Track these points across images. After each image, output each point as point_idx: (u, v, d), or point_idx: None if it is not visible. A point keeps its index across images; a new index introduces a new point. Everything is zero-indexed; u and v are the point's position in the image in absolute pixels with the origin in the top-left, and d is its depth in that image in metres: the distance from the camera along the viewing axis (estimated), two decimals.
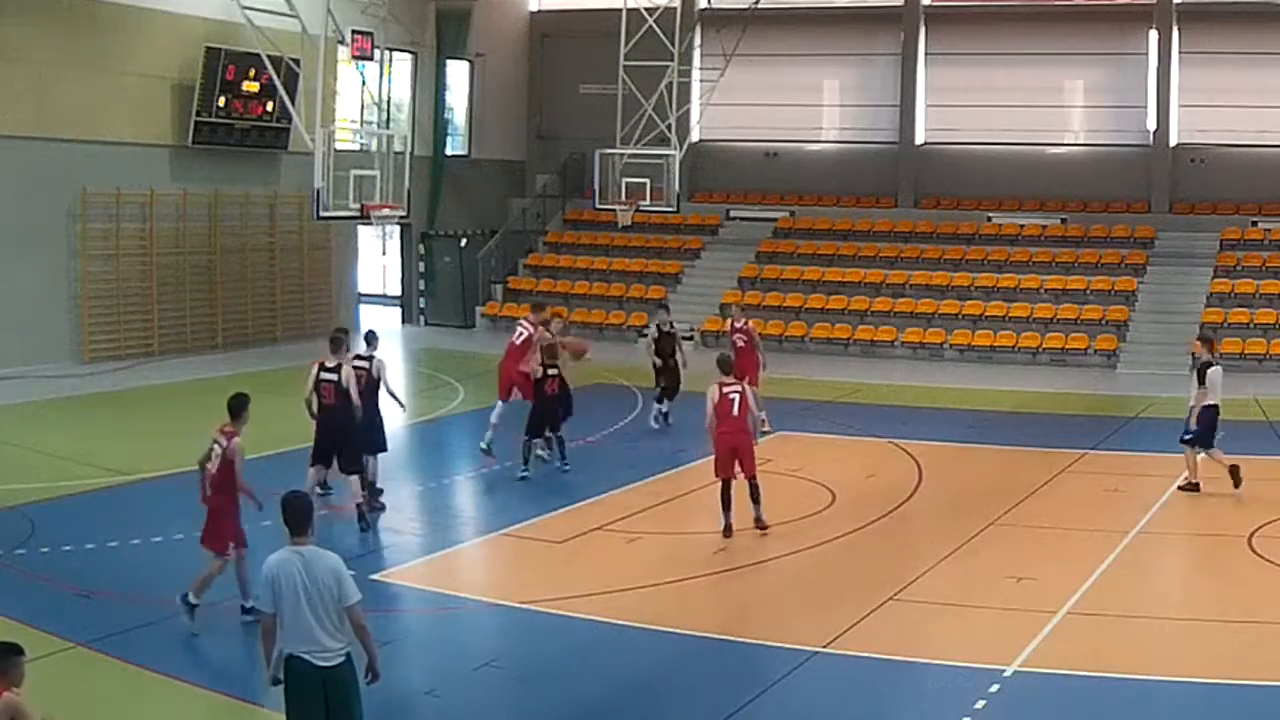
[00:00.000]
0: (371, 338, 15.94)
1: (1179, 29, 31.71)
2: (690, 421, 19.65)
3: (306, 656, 7.64)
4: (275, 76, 23.72)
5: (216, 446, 11.73)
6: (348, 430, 14.56)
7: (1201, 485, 16.45)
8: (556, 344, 17.74)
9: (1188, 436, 16.70)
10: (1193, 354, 17.10)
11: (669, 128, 29.69)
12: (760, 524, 14.51)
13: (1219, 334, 27.75)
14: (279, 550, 7.82)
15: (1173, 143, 32.29)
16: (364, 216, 23.03)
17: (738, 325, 20.99)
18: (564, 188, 37.32)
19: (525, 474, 17.15)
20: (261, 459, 18.01)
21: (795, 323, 31.06)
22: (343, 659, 7.74)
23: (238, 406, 12.09)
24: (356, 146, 25.92)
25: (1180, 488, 16.63)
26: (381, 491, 15.74)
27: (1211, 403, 16.54)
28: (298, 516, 7.85)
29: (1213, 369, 16.58)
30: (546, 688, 10.45)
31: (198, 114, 27.13)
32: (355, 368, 14.92)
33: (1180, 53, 31.83)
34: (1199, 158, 32.16)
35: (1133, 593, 12.75)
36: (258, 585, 7.92)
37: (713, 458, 14.70)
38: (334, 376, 14.52)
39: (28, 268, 24.75)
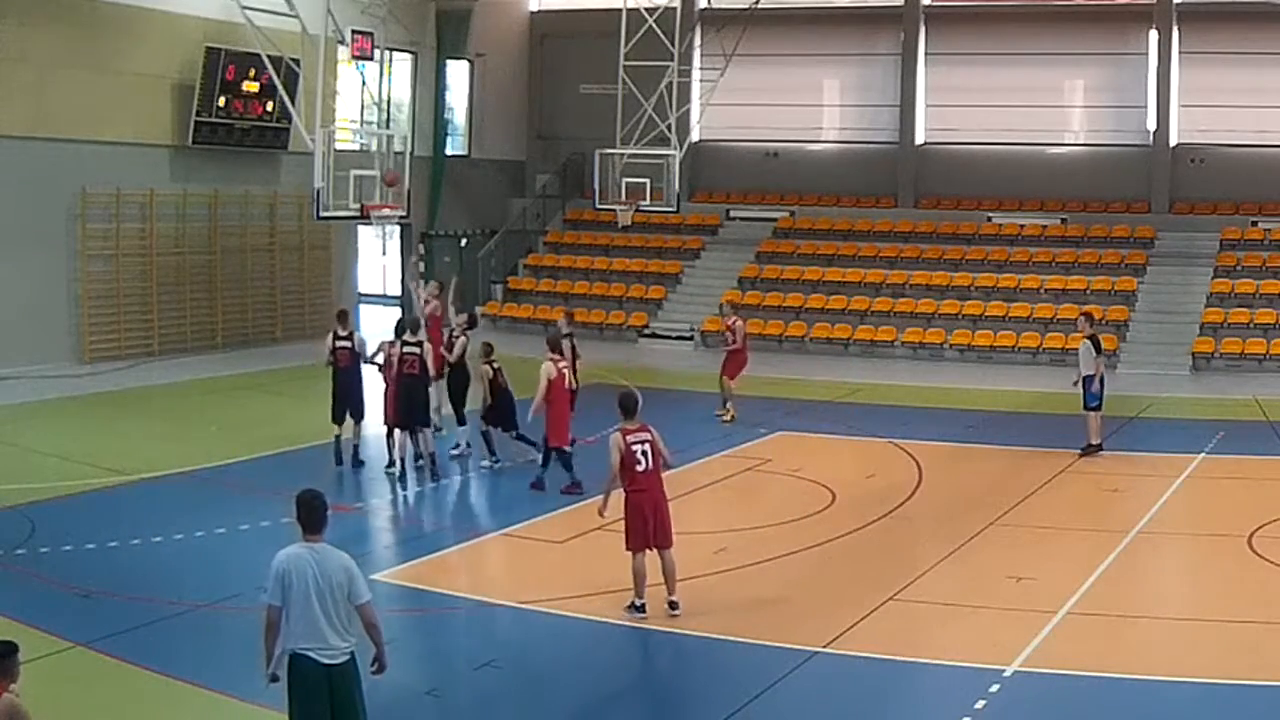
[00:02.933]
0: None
1: (1179, 29, 31.71)
2: (681, 420, 19.70)
3: (313, 654, 7.62)
4: (275, 76, 23.70)
5: (640, 446, 11.89)
6: (357, 388, 17.70)
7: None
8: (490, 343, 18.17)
9: (1095, 405, 18.80)
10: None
11: (669, 128, 29.67)
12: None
13: (1219, 334, 27.92)
14: (290, 546, 7.82)
15: (1173, 143, 32.28)
16: (364, 216, 23.02)
17: (728, 323, 22.02)
18: (564, 188, 37.32)
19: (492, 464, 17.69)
20: (261, 459, 18.11)
21: (795, 323, 31.05)
22: (347, 657, 7.74)
23: (634, 405, 12.26)
24: (356, 146, 25.89)
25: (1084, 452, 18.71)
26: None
27: (1087, 373, 18.84)
28: (312, 514, 7.87)
29: (1082, 346, 19.11)
30: (546, 688, 10.46)
31: (198, 114, 27.12)
32: (407, 353, 16.91)
33: (1180, 53, 31.83)
34: (1199, 158, 32.15)
35: (1133, 593, 12.76)
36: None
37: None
38: (348, 344, 17.70)
39: (28, 268, 24.73)
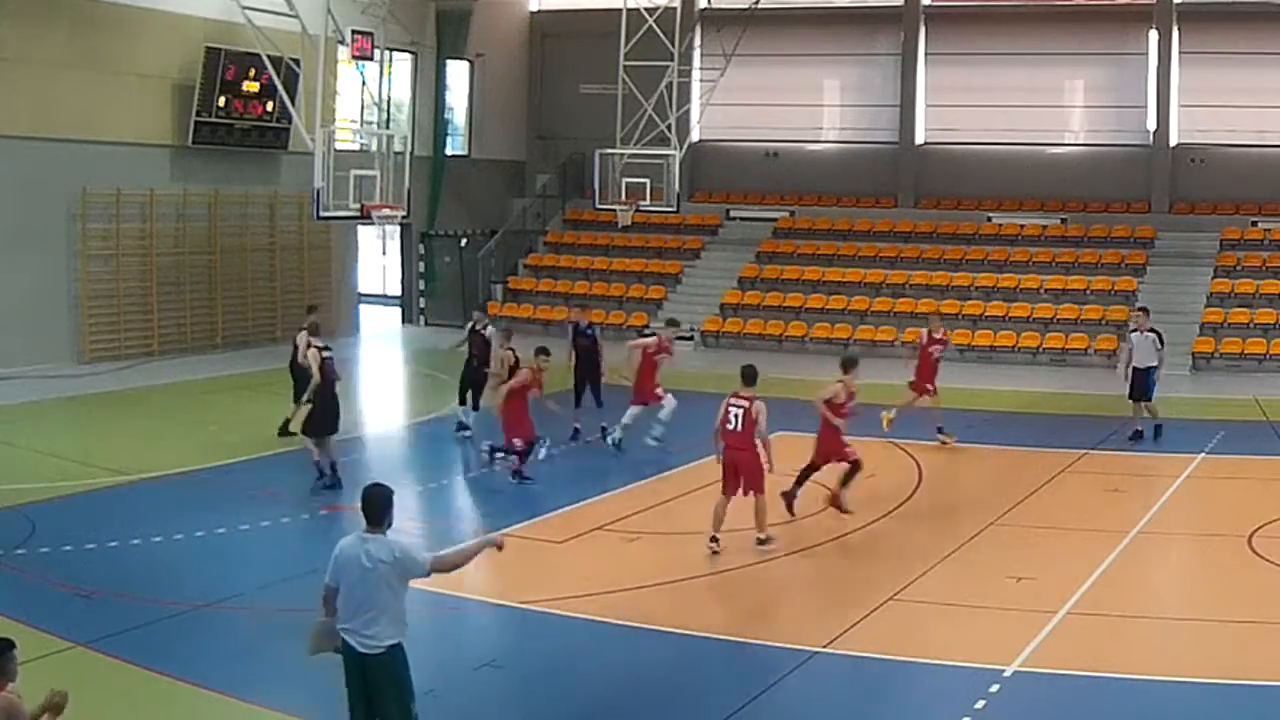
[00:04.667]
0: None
1: (1179, 29, 31.72)
2: (683, 420, 19.65)
3: (351, 639, 8.01)
4: (275, 76, 23.72)
5: (735, 409, 13.75)
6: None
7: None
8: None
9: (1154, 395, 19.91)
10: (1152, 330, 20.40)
11: (669, 128, 29.70)
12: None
13: (1219, 334, 27.93)
14: (350, 534, 8.16)
15: (1173, 143, 32.29)
16: (364, 216, 23.02)
17: (936, 336, 20.99)
18: (564, 188, 37.32)
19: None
20: (261, 459, 18.11)
21: (795, 322, 31.07)
22: (383, 650, 8.02)
23: (753, 375, 14.17)
24: (356, 146, 25.92)
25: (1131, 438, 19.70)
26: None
27: (1151, 364, 19.90)
28: (372, 507, 8.09)
29: (1142, 338, 20.05)
30: (546, 688, 10.45)
31: (198, 114, 27.12)
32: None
33: (1180, 53, 31.84)
34: (1199, 158, 32.16)
35: (1133, 593, 12.76)
36: None
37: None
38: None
39: (28, 268, 24.73)
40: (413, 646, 11.37)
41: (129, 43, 26.16)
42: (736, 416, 13.69)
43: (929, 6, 34.19)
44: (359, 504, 8.19)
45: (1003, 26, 33.58)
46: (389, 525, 8.14)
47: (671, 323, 21.34)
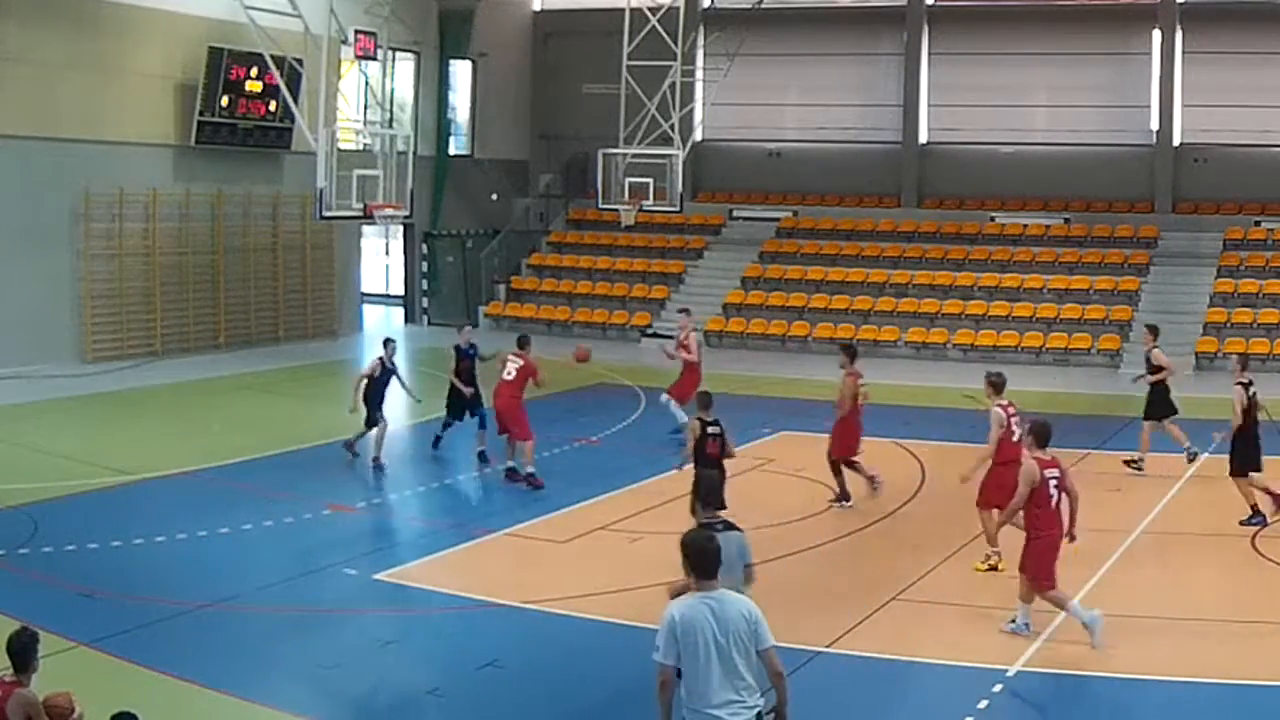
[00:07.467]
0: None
1: (1182, 29, 31.69)
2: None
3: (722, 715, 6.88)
4: (278, 76, 23.69)
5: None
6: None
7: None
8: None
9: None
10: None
11: (672, 127, 29.69)
12: None
13: (1223, 334, 27.89)
14: (684, 598, 7.17)
15: (1176, 142, 32.26)
16: (367, 216, 23.01)
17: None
18: (567, 187, 37.33)
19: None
20: (263, 459, 18.11)
21: (798, 322, 31.05)
22: (751, 715, 6.94)
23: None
24: (359, 146, 25.91)
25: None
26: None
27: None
28: (704, 559, 7.16)
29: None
30: (549, 687, 10.45)
31: (201, 114, 27.12)
32: None
33: (1184, 52, 31.80)
34: (1202, 157, 32.12)
35: (1136, 593, 12.73)
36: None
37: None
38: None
39: (31, 268, 24.74)
40: (415, 646, 11.44)
41: (132, 42, 26.18)
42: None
43: (932, 6, 34.17)
44: (684, 558, 7.19)
45: (1006, 26, 33.56)
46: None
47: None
